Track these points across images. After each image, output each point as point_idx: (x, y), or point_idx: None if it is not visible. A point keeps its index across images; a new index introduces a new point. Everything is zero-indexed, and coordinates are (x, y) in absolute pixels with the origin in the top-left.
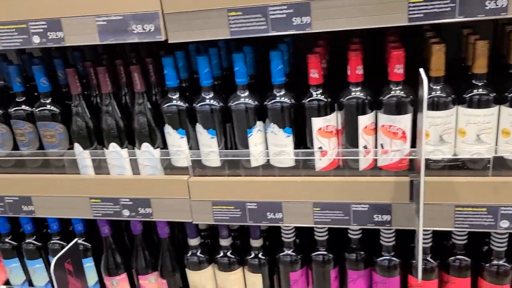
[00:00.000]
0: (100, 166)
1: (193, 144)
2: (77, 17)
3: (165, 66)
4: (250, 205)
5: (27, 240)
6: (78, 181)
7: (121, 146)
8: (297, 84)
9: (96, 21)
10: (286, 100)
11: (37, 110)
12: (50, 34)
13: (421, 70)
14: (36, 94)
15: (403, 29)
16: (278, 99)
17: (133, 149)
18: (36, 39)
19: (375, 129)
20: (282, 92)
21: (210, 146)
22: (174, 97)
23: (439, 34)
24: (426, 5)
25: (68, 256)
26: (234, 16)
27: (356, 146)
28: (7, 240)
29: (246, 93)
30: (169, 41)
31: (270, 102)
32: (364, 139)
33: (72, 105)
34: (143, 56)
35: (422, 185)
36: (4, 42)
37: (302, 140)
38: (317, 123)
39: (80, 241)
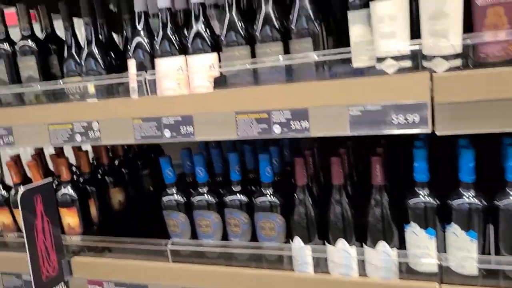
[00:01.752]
0: (318, 264)
1: (439, 245)
2: (327, 106)
3: (417, 159)
4: None
5: None
6: (300, 280)
7: (349, 243)
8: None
9: (348, 111)
10: None
11: (258, 200)
12: (294, 124)
13: None
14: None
15: None
16: None
17: (361, 246)
18: (277, 129)
19: None
20: None
21: (468, 250)
22: (422, 192)
23: None
24: None
25: None
26: None
27: None
28: None
29: None
30: (437, 134)
31: None
32: None
33: (296, 196)
34: None
35: None
36: (241, 131)
37: None
38: None
39: None
